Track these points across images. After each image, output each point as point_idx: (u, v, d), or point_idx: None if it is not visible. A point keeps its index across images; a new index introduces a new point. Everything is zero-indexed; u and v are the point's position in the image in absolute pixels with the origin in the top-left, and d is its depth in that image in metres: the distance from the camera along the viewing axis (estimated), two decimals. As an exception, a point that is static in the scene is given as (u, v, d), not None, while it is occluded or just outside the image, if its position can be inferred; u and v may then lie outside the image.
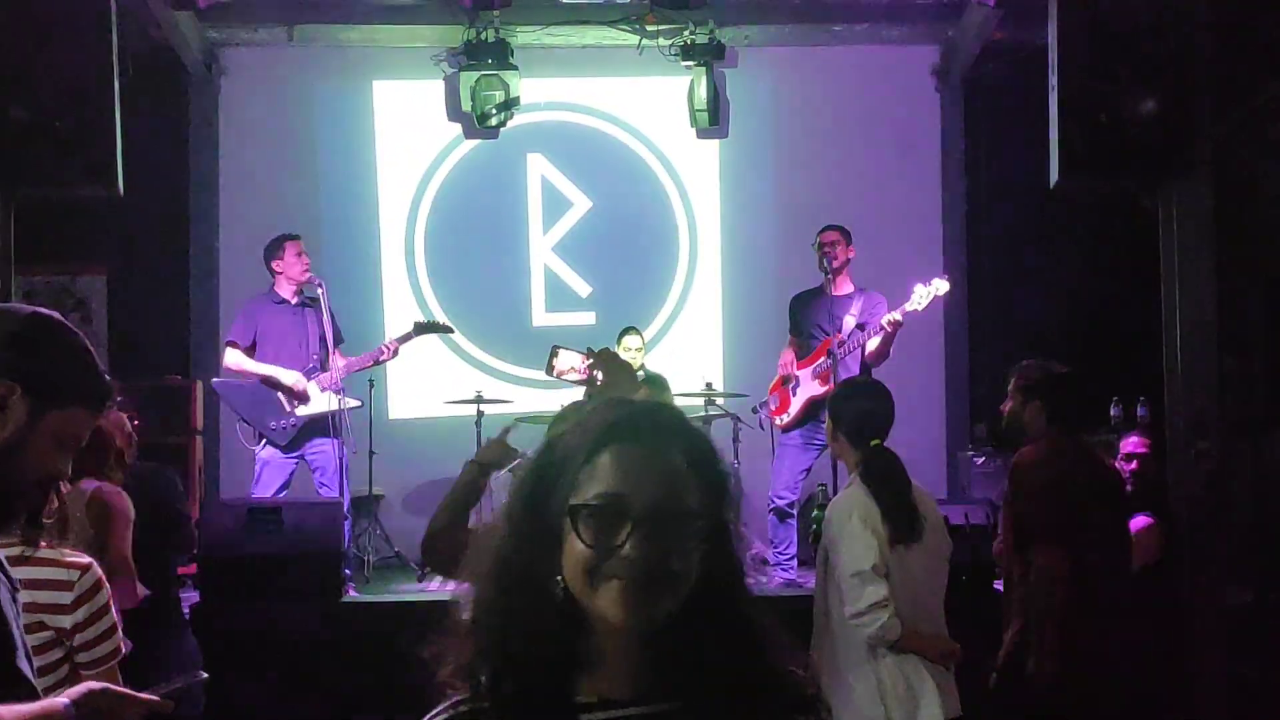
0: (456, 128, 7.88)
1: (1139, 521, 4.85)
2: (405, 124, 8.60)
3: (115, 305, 8.13)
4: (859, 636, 3.64)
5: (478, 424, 7.33)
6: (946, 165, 8.67)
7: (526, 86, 7.71)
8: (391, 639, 5.71)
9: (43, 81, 4.41)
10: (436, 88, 7.88)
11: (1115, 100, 4.51)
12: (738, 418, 7.31)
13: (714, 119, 7.84)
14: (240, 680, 5.14)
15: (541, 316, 8.67)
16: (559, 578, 1.36)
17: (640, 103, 8.73)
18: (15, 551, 2.48)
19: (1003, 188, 8.24)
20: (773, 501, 6.79)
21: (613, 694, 1.38)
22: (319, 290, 6.78)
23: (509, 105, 7.59)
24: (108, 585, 2.67)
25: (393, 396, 8.34)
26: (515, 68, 7.62)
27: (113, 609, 2.66)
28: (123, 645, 2.68)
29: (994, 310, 8.39)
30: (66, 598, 2.56)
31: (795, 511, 6.79)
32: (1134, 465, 5.14)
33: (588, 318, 8.60)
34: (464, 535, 3.47)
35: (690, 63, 7.82)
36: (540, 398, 7.54)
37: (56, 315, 2.06)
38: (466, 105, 7.59)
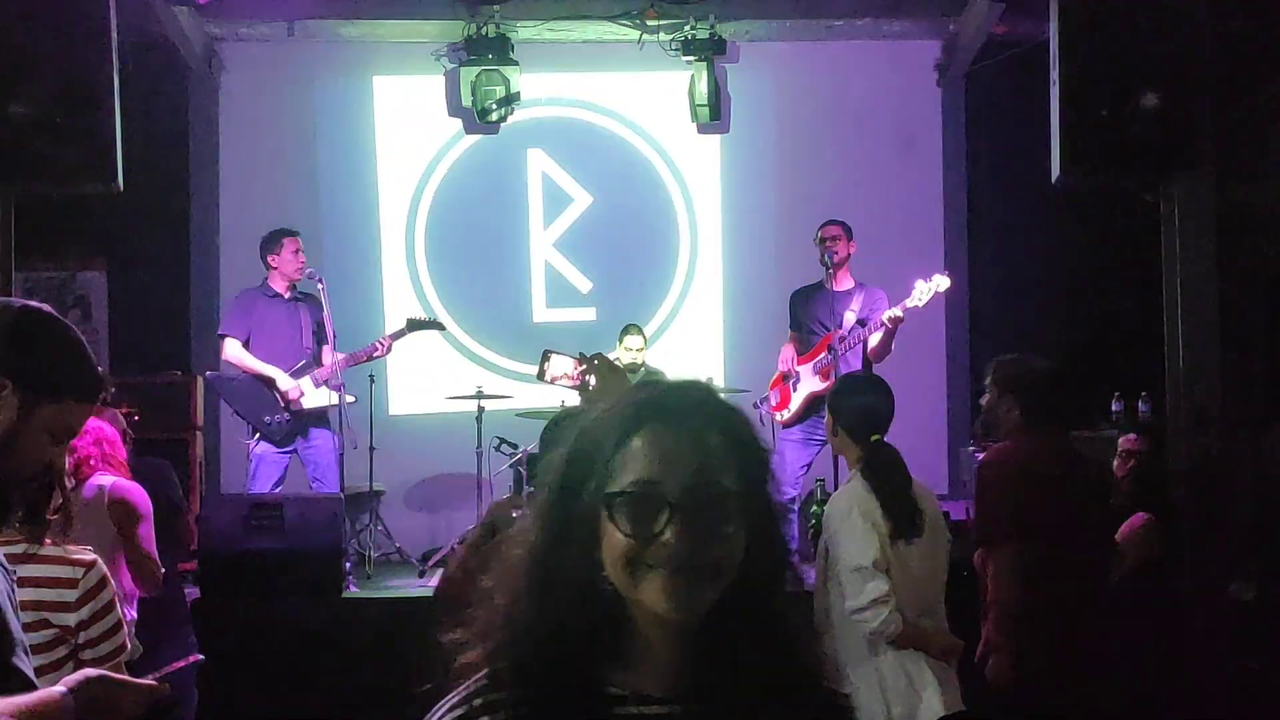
0: (457, 123, 7.87)
1: (1138, 519, 4.85)
2: (405, 119, 8.59)
3: (115, 301, 8.13)
4: (859, 632, 3.64)
5: (478, 419, 7.33)
6: (947, 160, 8.66)
7: (527, 82, 7.69)
8: (392, 635, 5.75)
9: (43, 78, 4.40)
10: (437, 83, 7.86)
11: (1117, 96, 4.51)
12: (738, 414, 7.30)
13: (715, 114, 7.83)
14: (241, 676, 5.14)
15: (542, 312, 8.66)
16: (601, 571, 1.30)
17: (641, 98, 8.72)
18: (20, 549, 2.48)
19: (1004, 183, 8.23)
20: (773, 497, 6.78)
21: (646, 689, 1.33)
22: (319, 286, 6.78)
23: (509, 100, 7.57)
24: (112, 582, 2.67)
25: (393, 392, 8.34)
26: (516, 63, 7.60)
27: (118, 606, 2.66)
28: (128, 642, 2.68)
29: (995, 306, 8.38)
30: (70, 595, 2.56)
31: (796, 507, 6.79)
32: (1132, 462, 5.13)
33: (588, 313, 8.59)
34: (476, 589, 3.40)
35: (691, 58, 7.80)
36: (540, 393, 7.52)
37: (47, 309, 2.08)
38: (467, 100, 7.58)
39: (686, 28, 7.79)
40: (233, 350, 6.78)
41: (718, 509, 1.28)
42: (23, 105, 4.34)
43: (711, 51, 7.75)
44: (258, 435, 6.76)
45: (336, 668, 5.45)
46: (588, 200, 8.67)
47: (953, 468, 8.15)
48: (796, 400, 6.79)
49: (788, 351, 6.97)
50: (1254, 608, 4.95)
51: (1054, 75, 4.62)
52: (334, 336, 6.79)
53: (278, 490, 6.63)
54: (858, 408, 3.90)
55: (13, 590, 2.02)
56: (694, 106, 7.87)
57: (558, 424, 3.46)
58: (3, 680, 1.89)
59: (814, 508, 6.83)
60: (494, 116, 7.61)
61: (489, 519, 3.54)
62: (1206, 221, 4.66)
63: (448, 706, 1.34)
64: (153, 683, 2.17)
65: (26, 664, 2.00)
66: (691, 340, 8.64)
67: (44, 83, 4.38)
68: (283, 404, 6.71)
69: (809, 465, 6.78)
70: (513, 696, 1.31)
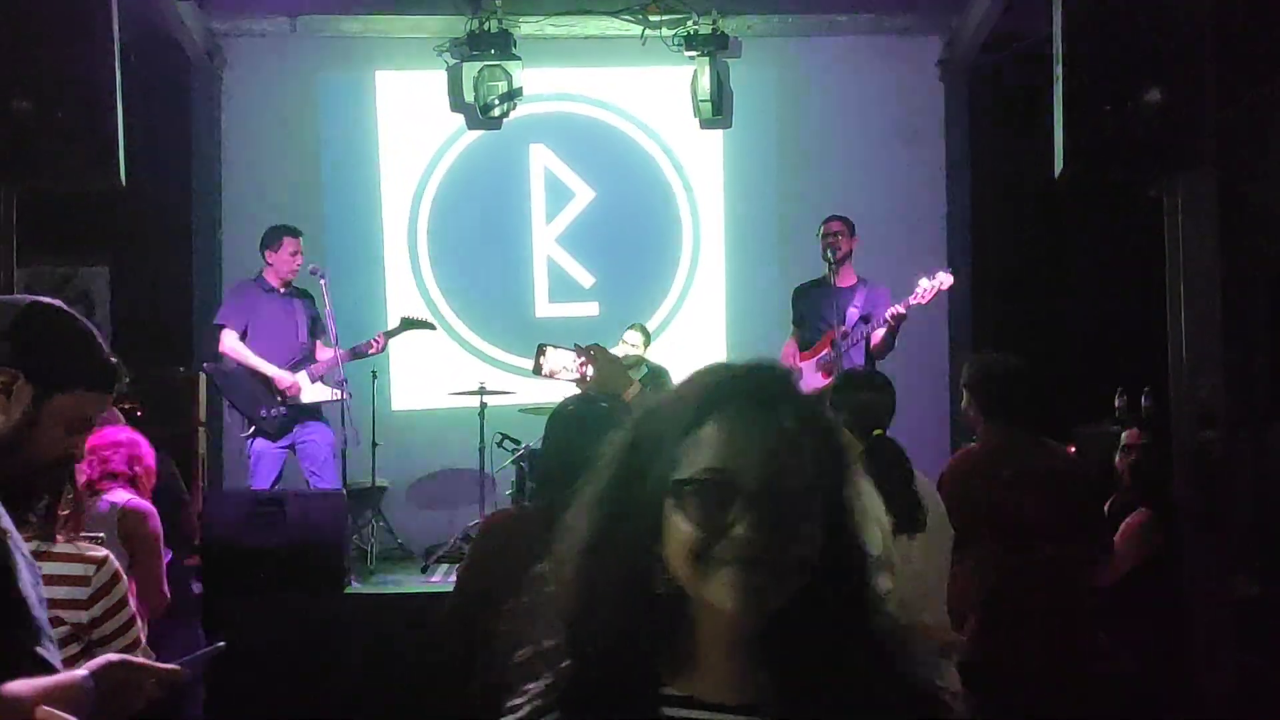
0: (459, 118, 7.86)
1: (1139, 515, 4.84)
2: (408, 114, 8.59)
3: (118, 297, 8.13)
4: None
5: (481, 415, 7.33)
6: (950, 156, 8.65)
7: (529, 77, 7.69)
8: (394, 631, 5.75)
9: (44, 73, 4.39)
10: (439, 78, 7.86)
11: (1120, 91, 4.49)
12: (741, 409, 7.30)
13: (717, 109, 7.82)
14: (243, 671, 5.14)
15: (545, 307, 8.66)
16: (659, 566, 1.22)
17: (643, 93, 8.71)
18: (31, 546, 2.47)
19: (1006, 179, 8.22)
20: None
21: (707, 695, 1.23)
22: (321, 281, 6.79)
23: (512, 96, 7.56)
24: (125, 578, 2.67)
25: (396, 388, 8.34)
26: (518, 58, 7.60)
27: (131, 602, 2.66)
28: (142, 638, 2.68)
29: (998, 301, 8.37)
30: (83, 593, 2.56)
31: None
32: (1133, 457, 5.13)
33: (591, 309, 8.58)
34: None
35: (693, 53, 7.80)
36: (543, 389, 7.51)
37: (56, 303, 2.14)
38: (469, 96, 7.57)
39: (689, 23, 7.78)
40: (230, 342, 6.79)
41: (794, 502, 1.19)
42: (24, 100, 4.33)
43: (714, 47, 7.74)
44: (253, 429, 6.77)
45: (339, 663, 5.46)
46: (590, 195, 8.67)
47: (955, 464, 8.14)
48: (799, 396, 6.78)
49: (790, 348, 6.96)
50: (1257, 604, 4.95)
51: (1056, 71, 4.60)
52: (334, 332, 6.80)
53: (277, 486, 6.64)
54: (858, 403, 3.89)
55: (38, 583, 2.04)
56: (696, 102, 7.86)
57: (560, 416, 3.45)
58: (30, 668, 1.94)
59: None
60: (496, 112, 7.61)
61: (480, 537, 3.50)
62: (1209, 218, 4.64)
63: (509, 707, 1.28)
64: (173, 666, 2.22)
65: (53, 653, 2.02)
66: (694, 335, 8.63)
67: (45, 78, 4.37)
68: (279, 397, 6.73)
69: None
70: (566, 698, 1.24)
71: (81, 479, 3.39)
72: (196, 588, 5.67)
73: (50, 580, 2.48)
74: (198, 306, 8.23)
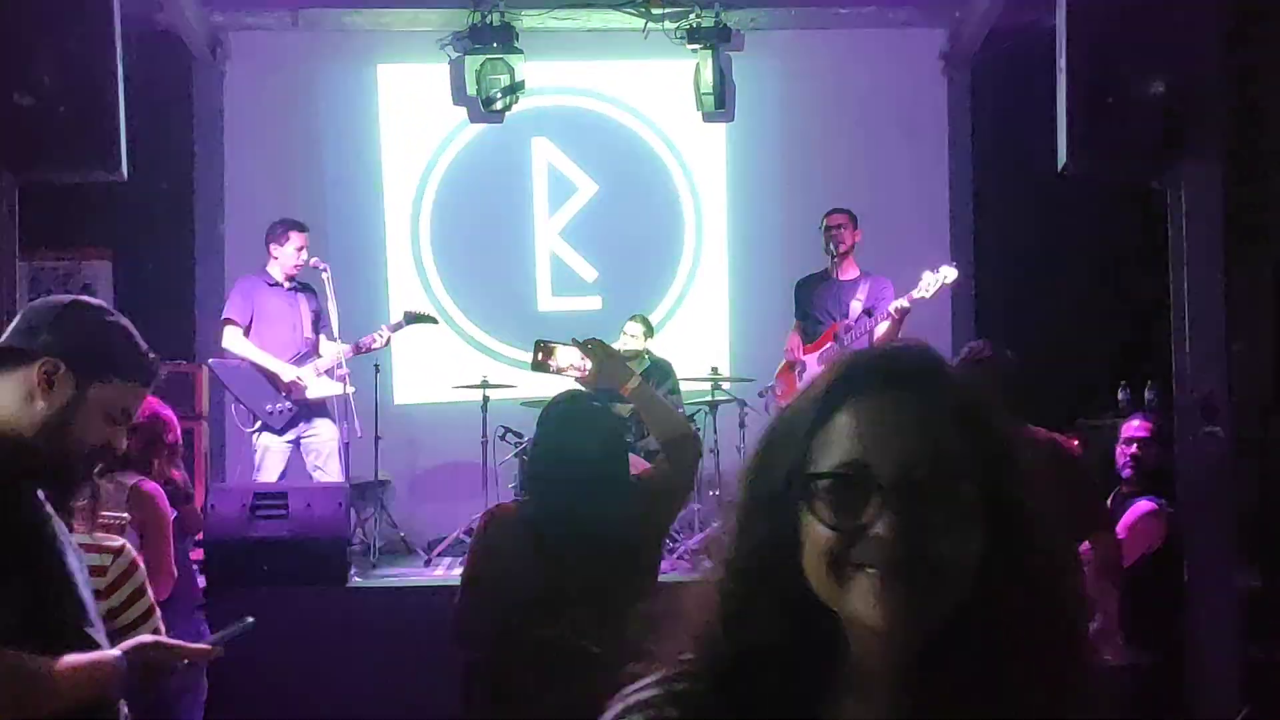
0: (461, 112, 7.86)
1: (1141, 506, 4.84)
2: (410, 108, 8.58)
3: (120, 290, 8.12)
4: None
5: (483, 408, 7.33)
6: (953, 149, 8.65)
7: (531, 70, 7.68)
8: (397, 624, 5.75)
9: (46, 66, 4.39)
10: (441, 72, 7.85)
11: (1124, 84, 4.48)
12: (744, 402, 7.30)
13: (720, 103, 7.81)
14: (245, 665, 5.14)
15: (547, 301, 8.66)
16: (798, 578, 1.08)
17: (646, 86, 8.70)
18: None
19: (1010, 172, 8.20)
20: (779, 486, 6.78)
21: None
22: (324, 275, 6.79)
23: (514, 89, 7.56)
24: (142, 566, 2.70)
25: (398, 382, 8.34)
26: (520, 51, 7.59)
27: (149, 591, 2.69)
28: (161, 626, 2.69)
29: (1001, 295, 8.35)
30: (101, 583, 2.57)
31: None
32: (1133, 449, 5.13)
33: (593, 302, 8.58)
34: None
35: (696, 46, 7.78)
36: (545, 382, 7.51)
37: (96, 300, 2.29)
38: (471, 89, 7.57)
39: (691, 16, 7.77)
40: (233, 338, 6.79)
41: (944, 497, 1.04)
42: (26, 94, 4.33)
43: (716, 40, 7.73)
44: (259, 424, 6.77)
45: (341, 656, 5.46)
46: (593, 189, 8.66)
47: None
48: (802, 390, 6.78)
49: (794, 340, 6.95)
50: (1260, 596, 4.94)
51: (1060, 63, 4.59)
52: (336, 326, 6.80)
53: (283, 480, 6.64)
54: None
55: (83, 568, 2.19)
56: (699, 95, 7.85)
57: (553, 409, 3.45)
58: (78, 645, 2.07)
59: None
60: (499, 105, 7.60)
61: (480, 533, 3.50)
62: (1214, 210, 4.63)
63: None
64: (205, 646, 2.37)
65: (98, 631, 2.17)
66: (697, 328, 8.63)
67: (48, 71, 4.36)
68: (284, 392, 6.72)
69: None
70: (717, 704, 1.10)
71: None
72: (200, 581, 5.68)
73: None
74: (200, 300, 8.23)
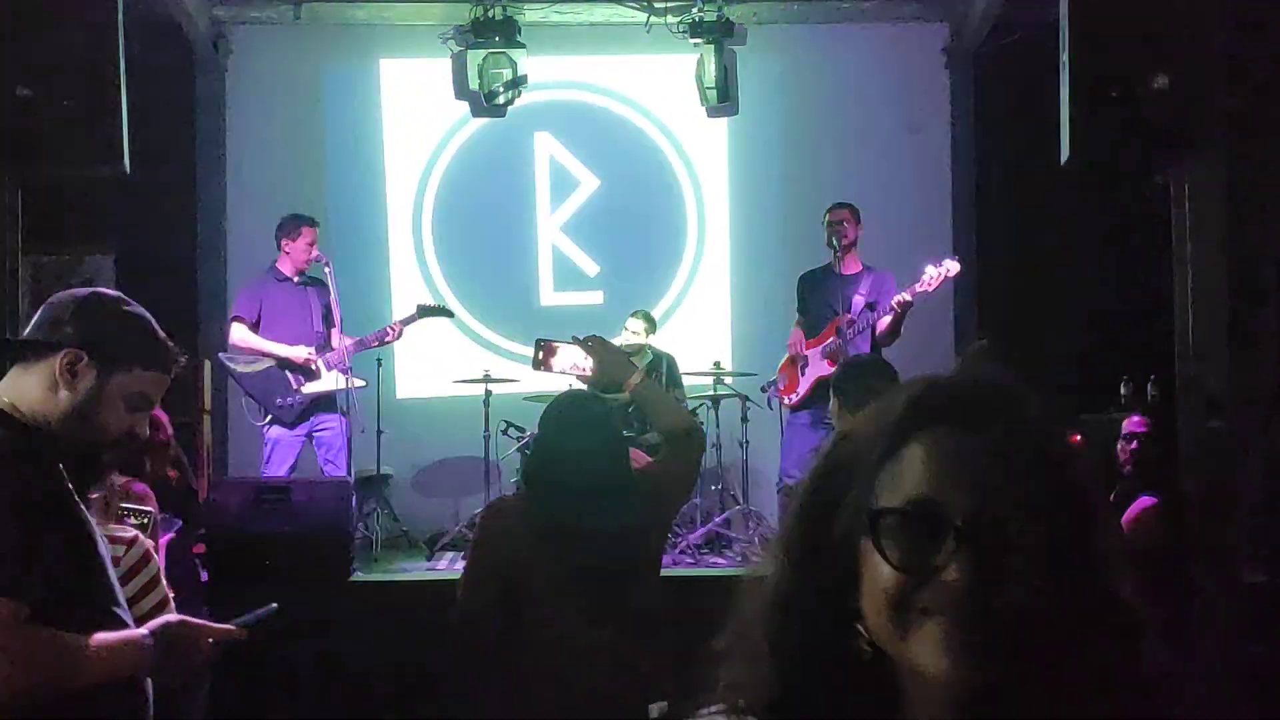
0: (464, 106, 7.85)
1: (1142, 502, 4.84)
2: (412, 102, 8.58)
3: (123, 285, 8.10)
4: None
5: (485, 403, 7.33)
6: (956, 143, 8.63)
7: (534, 64, 7.67)
8: (399, 618, 5.74)
9: (48, 60, 4.38)
10: (443, 66, 7.84)
11: (1127, 77, 4.47)
12: (746, 397, 7.30)
13: (723, 96, 7.79)
14: (246, 659, 5.14)
15: (549, 296, 8.65)
16: (856, 620, 1.01)
17: (648, 81, 8.69)
18: None
19: (1013, 166, 8.19)
20: (781, 480, 6.79)
21: None
22: (326, 269, 6.79)
23: (516, 83, 7.55)
24: (156, 557, 2.72)
25: (400, 376, 8.34)
26: (523, 45, 7.58)
27: (163, 581, 2.71)
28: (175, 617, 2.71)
29: (1004, 290, 8.35)
30: (116, 573, 2.58)
31: (803, 491, 6.78)
32: (1134, 445, 5.12)
33: (595, 297, 8.58)
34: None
35: (698, 40, 7.77)
36: (547, 378, 7.51)
37: (114, 292, 2.37)
38: (474, 83, 7.55)
39: (694, 10, 7.75)
40: (240, 334, 6.80)
41: (1021, 541, 0.96)
42: (27, 88, 4.33)
43: (719, 34, 7.71)
44: (269, 418, 6.78)
45: (343, 650, 5.46)
46: (595, 183, 8.66)
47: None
48: (805, 384, 6.78)
49: (796, 335, 6.95)
50: (1264, 592, 4.94)
51: (1063, 57, 4.58)
52: (341, 320, 6.80)
53: (292, 474, 6.65)
54: (861, 389, 3.87)
55: (109, 554, 2.27)
56: (703, 90, 7.82)
57: (554, 409, 3.45)
58: (109, 625, 2.15)
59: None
60: (501, 99, 7.59)
61: (481, 527, 3.50)
62: (1216, 204, 4.62)
63: None
64: (231, 628, 2.41)
65: (126, 615, 2.25)
66: (699, 323, 8.62)
67: (49, 65, 4.36)
68: (295, 381, 6.73)
69: (817, 449, 6.76)
70: None
71: None
72: (203, 575, 5.68)
73: None
74: (202, 295, 8.23)
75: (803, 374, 6.82)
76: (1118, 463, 5.11)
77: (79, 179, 5.23)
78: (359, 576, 6.11)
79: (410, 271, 8.61)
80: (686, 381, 7.33)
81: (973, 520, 0.96)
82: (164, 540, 4.21)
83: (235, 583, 5.58)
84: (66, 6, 4.41)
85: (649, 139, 8.77)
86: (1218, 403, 4.61)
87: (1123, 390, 7.02)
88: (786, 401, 6.94)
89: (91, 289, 2.35)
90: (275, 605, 2.58)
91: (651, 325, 7.49)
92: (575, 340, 3.73)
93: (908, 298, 6.35)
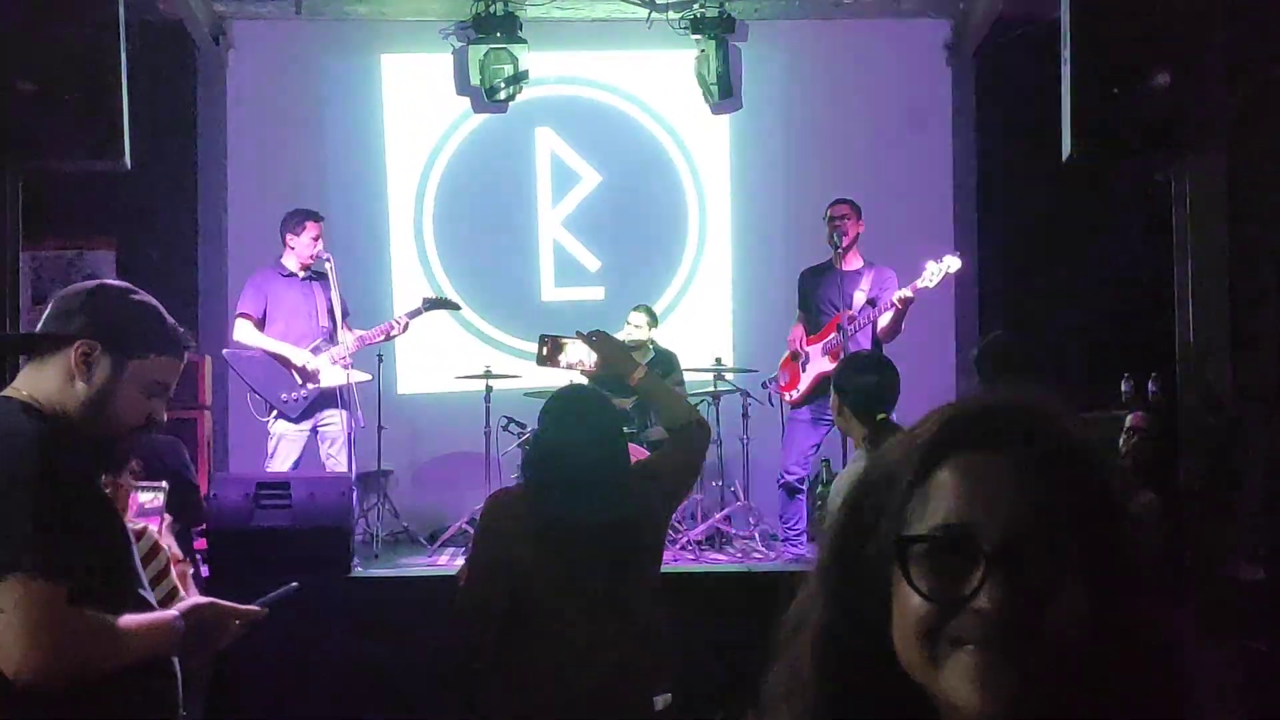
0: (465, 102, 7.84)
1: (1142, 498, 4.84)
2: (413, 98, 8.58)
3: (123, 279, 8.04)
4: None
5: (487, 399, 7.33)
6: (957, 140, 8.63)
7: (535, 60, 7.66)
8: (399, 614, 5.74)
9: (49, 54, 4.39)
10: (445, 61, 7.83)
11: (1128, 74, 4.47)
12: (747, 393, 7.30)
13: (725, 93, 7.78)
14: (246, 654, 5.15)
15: (550, 291, 8.66)
16: (888, 653, 0.99)
17: (649, 76, 8.69)
18: None
19: (1014, 163, 8.18)
20: (782, 476, 6.79)
21: None
22: (327, 265, 6.79)
23: (518, 79, 7.54)
24: (165, 550, 2.75)
25: (402, 371, 8.34)
26: (524, 41, 7.57)
27: (172, 573, 2.75)
28: None
29: (1005, 286, 8.34)
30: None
31: (805, 487, 6.79)
32: (1134, 441, 5.13)
33: (597, 292, 8.58)
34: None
35: (700, 36, 7.76)
36: (549, 373, 7.52)
37: (121, 282, 2.41)
38: (475, 79, 7.54)
39: (696, 5, 7.74)
40: (245, 330, 6.79)
41: (1054, 567, 0.94)
42: (29, 82, 4.33)
43: (720, 30, 7.70)
44: (274, 413, 6.78)
45: (343, 646, 5.46)
46: (596, 179, 8.66)
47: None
48: (805, 380, 6.78)
49: (797, 331, 6.95)
50: (1262, 588, 4.95)
51: (1065, 54, 4.59)
52: (345, 315, 6.81)
53: (296, 469, 6.65)
54: (863, 386, 3.87)
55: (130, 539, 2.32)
56: (706, 86, 7.81)
57: (555, 403, 3.45)
58: (135, 607, 2.21)
59: (820, 488, 6.83)
60: (502, 95, 7.58)
61: (486, 513, 3.51)
62: (1218, 200, 4.63)
63: None
64: (256, 609, 2.49)
65: (151, 597, 2.31)
66: (700, 319, 8.63)
67: (50, 59, 4.37)
68: (300, 380, 6.73)
69: (818, 445, 6.78)
70: None
71: None
72: (204, 570, 5.69)
73: None
74: (203, 289, 8.23)
75: (804, 370, 6.82)
76: (1121, 457, 5.11)
77: (80, 173, 5.23)
78: (359, 572, 6.11)
79: (411, 267, 8.61)
80: (687, 378, 7.34)
81: (1003, 547, 0.94)
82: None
83: (235, 578, 5.59)
84: (68, 1, 4.41)
85: (650, 135, 8.77)
86: (1218, 400, 4.61)
87: (1123, 387, 7.01)
88: (787, 398, 6.94)
89: (99, 281, 2.38)
90: (295, 584, 2.64)
91: (653, 319, 7.49)
92: (579, 335, 3.73)
93: (909, 294, 6.35)
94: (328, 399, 6.80)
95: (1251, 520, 4.60)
